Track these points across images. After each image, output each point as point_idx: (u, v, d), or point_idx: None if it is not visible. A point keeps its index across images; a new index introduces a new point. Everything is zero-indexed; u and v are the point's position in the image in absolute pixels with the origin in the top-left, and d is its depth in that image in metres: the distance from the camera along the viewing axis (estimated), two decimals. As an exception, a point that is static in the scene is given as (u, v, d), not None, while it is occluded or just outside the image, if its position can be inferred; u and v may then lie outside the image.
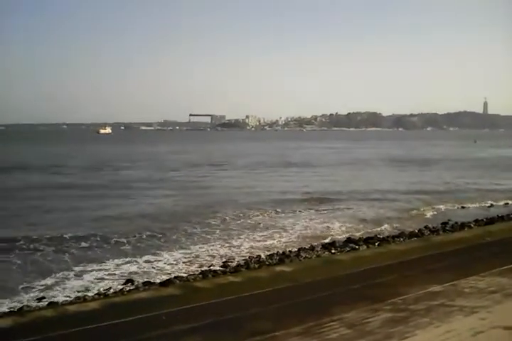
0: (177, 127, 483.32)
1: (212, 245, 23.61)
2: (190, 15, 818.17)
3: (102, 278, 18.31)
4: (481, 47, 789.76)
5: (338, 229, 27.32)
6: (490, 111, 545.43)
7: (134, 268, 19.75)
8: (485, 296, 12.49)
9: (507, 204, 36.73)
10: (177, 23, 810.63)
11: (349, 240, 23.42)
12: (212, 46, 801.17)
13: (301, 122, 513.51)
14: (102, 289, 16.73)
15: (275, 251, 21.46)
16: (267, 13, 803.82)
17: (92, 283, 17.76)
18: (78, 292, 16.57)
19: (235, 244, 23.96)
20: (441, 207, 35.05)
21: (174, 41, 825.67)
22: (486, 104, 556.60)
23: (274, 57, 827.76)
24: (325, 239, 24.27)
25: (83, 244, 23.37)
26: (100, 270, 19.36)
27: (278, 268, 17.20)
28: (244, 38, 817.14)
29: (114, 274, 18.86)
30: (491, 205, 36.20)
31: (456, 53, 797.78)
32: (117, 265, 20.09)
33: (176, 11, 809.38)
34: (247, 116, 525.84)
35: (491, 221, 28.03)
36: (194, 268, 19.49)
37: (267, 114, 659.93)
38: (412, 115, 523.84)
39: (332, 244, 22.64)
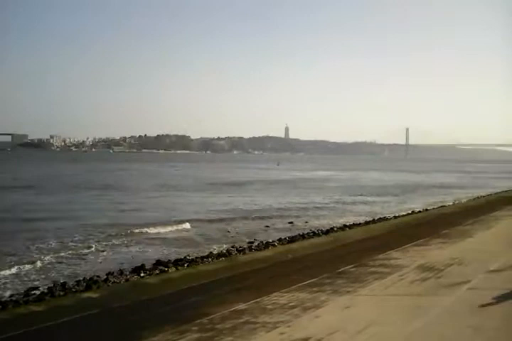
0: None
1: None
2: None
3: None
4: (283, 77, 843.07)
5: (149, 253, 27.13)
6: (291, 136, 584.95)
7: None
8: (286, 311, 13.15)
9: (307, 223, 39.27)
10: None
11: (158, 262, 23.29)
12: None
13: (109, 143, 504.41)
14: None
15: (82, 278, 20.66)
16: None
17: None
18: None
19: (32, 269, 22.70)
20: (251, 227, 36.40)
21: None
22: (287, 129, 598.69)
23: (77, 70, 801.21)
24: (135, 263, 23.87)
25: None
26: None
27: (85, 295, 16.54)
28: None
29: None
30: (292, 224, 38.45)
31: (260, 82, 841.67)
32: None
33: None
34: (52, 136, 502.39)
35: (292, 239, 29.73)
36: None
37: (74, 133, 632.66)
38: (219, 138, 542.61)
39: (141, 267, 22.34)
